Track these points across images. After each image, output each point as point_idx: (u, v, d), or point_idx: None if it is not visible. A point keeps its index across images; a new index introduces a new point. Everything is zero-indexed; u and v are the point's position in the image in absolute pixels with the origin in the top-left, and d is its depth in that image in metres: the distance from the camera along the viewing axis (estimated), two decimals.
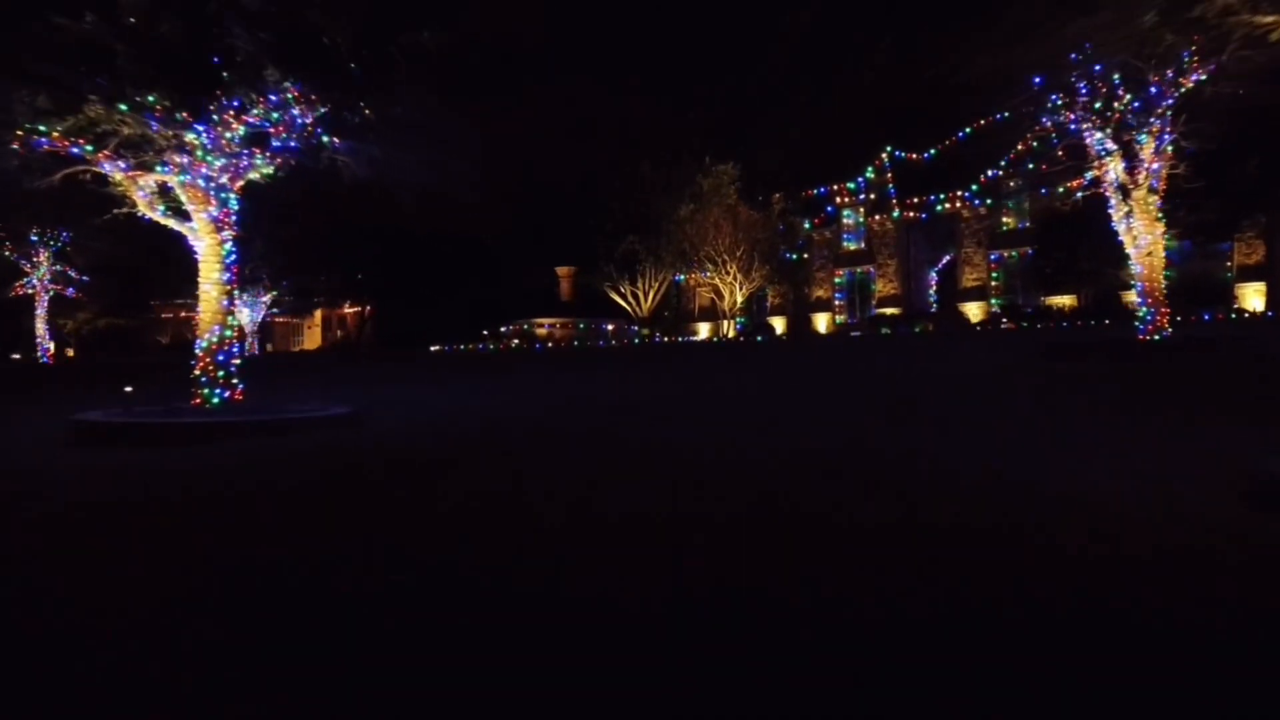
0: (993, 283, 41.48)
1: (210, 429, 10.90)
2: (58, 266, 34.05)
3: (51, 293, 34.62)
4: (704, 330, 53.95)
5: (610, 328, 29.87)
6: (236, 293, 13.36)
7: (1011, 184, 41.29)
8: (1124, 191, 16.29)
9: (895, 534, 4.73)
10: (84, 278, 35.09)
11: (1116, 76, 15.41)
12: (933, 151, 50.30)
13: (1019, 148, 42.32)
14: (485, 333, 32.05)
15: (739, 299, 43.92)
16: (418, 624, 3.59)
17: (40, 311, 34.57)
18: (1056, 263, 37.04)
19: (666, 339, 30.66)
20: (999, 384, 12.61)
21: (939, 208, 43.47)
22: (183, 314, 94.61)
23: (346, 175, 14.38)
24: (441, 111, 14.40)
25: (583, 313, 32.30)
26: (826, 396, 12.61)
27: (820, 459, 7.34)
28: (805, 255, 48.40)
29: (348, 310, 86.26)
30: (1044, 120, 18.54)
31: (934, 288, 45.86)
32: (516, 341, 29.68)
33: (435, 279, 73.81)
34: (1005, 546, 4.45)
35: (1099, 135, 16.13)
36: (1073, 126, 16.49)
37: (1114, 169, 16.14)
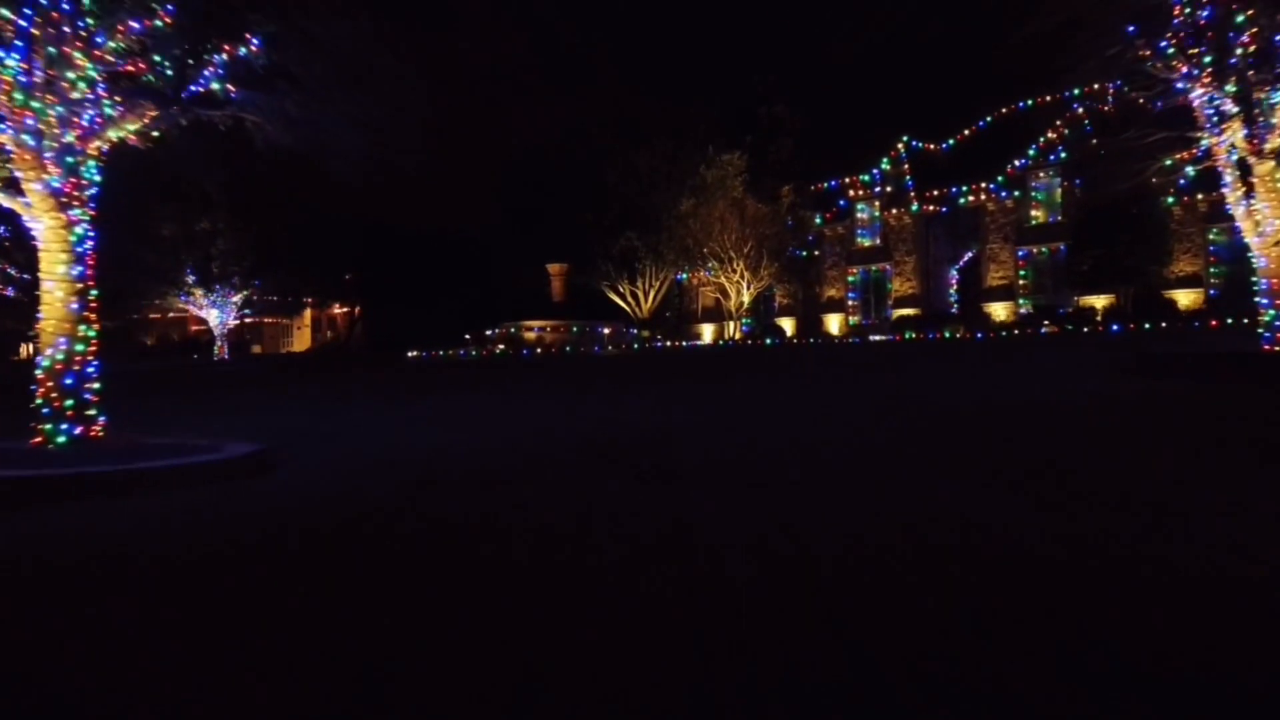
0: (1020, 281, 38.12)
1: (16, 488, 7.59)
2: None
3: None
4: (707, 332, 50.64)
5: (606, 331, 26.51)
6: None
7: (1042, 174, 37.98)
8: (1243, 166, 12.99)
9: None
10: (25, 276, 31.67)
11: (1241, 18, 12.10)
12: (951, 141, 47.07)
13: (1051, 135, 39.16)
14: (467, 337, 28.68)
15: (746, 299, 40.58)
16: None
17: None
18: (1094, 259, 33.72)
19: (670, 344, 27.30)
20: (1134, 419, 9.22)
21: (962, 200, 40.10)
22: (169, 314, 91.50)
23: (259, 139, 11.04)
24: (381, 59, 11.09)
25: (576, 314, 28.97)
26: (890, 437, 9.25)
27: (966, 590, 4.01)
28: (816, 253, 45.06)
29: (337, 311, 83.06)
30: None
31: (954, 287, 42.53)
32: (502, 347, 26.38)
33: (425, 278, 70.53)
34: None
35: (1213, 96, 12.81)
36: (1179, 84, 13.14)
37: (1231, 137, 12.83)
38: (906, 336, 30.95)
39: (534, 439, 10.22)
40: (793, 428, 9.24)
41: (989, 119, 46.43)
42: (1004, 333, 29.45)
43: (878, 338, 34.84)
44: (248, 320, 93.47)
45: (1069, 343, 22.19)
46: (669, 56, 67.67)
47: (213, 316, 38.47)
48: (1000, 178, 38.87)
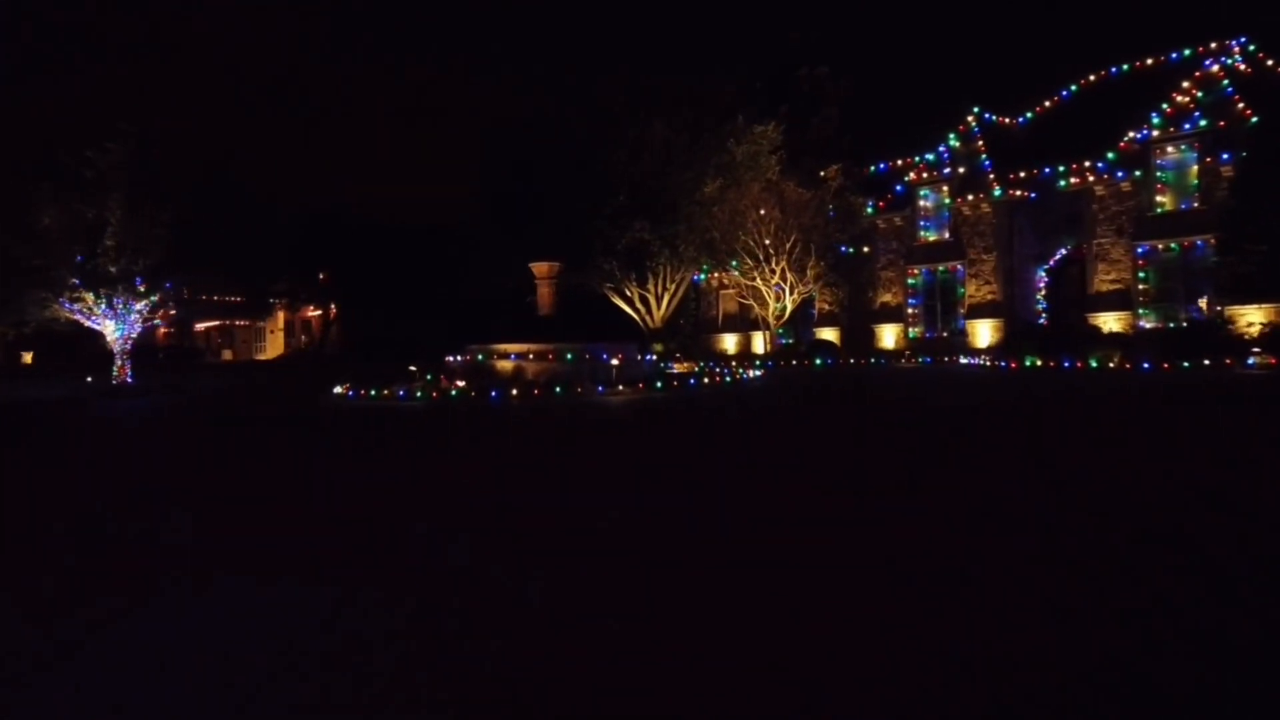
0: (1140, 286, 29.30)
1: None
2: None
3: None
4: (730, 343, 41.88)
5: (615, 362, 17.55)
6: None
7: (1170, 148, 29.07)
8: None
9: None
10: None
11: None
12: (1029, 115, 38.25)
13: (1181, 99, 30.33)
14: (413, 369, 19.67)
15: (789, 306, 31.72)
16: None
17: None
18: (1259, 258, 24.94)
19: (707, 377, 18.23)
20: None
21: (1061, 183, 31.16)
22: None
23: None
24: None
25: (570, 328, 20.21)
26: None
27: None
28: (865, 249, 36.27)
29: (311, 313, 74.37)
30: None
31: (1042, 292, 33.73)
32: (461, 384, 17.61)
33: (404, 279, 61.78)
34: None
35: None
36: None
37: None
38: (1028, 362, 22.08)
39: None
40: None
41: (1076, 86, 37.70)
42: (1184, 362, 20.27)
43: (973, 361, 25.88)
44: (218, 324, 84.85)
45: None
46: (688, 7, 58.55)
47: (109, 329, 29.55)
48: (1111, 154, 29.99)
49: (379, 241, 61.75)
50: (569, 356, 18.50)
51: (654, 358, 20.40)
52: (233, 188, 36.24)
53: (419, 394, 17.24)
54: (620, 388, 17.16)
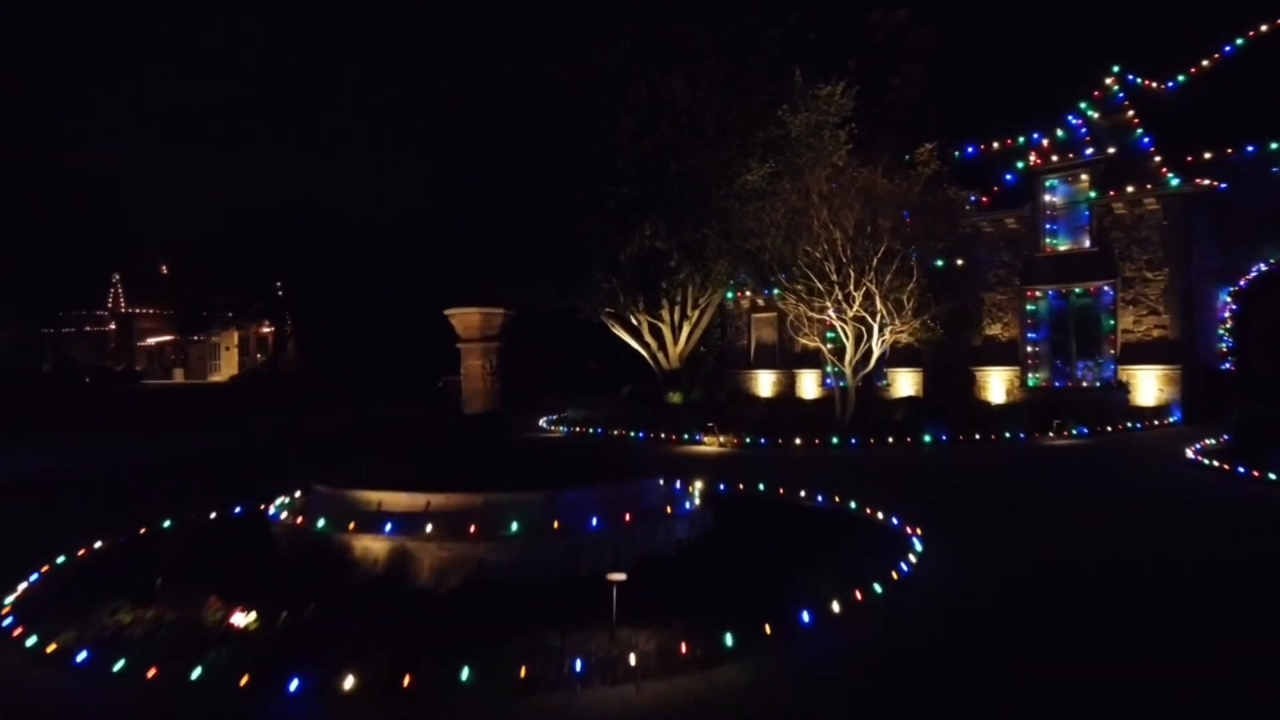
0: None
1: None
2: None
3: None
4: (765, 385, 31.44)
5: (619, 579, 7.26)
6: None
7: None
8: None
9: None
10: None
11: None
12: (1182, 77, 27.80)
13: None
14: (163, 553, 9.24)
15: (875, 348, 21.29)
16: None
17: None
18: None
19: (814, 571, 8.14)
20: None
21: None
22: (88, 326, 71.81)
23: None
24: None
25: (516, 463, 9.61)
26: None
27: None
28: (959, 261, 25.79)
29: (266, 329, 63.94)
30: None
31: (1227, 324, 23.34)
32: (248, 618, 7.29)
33: (365, 285, 51.55)
34: None
35: None
36: None
37: None
38: None
39: None
40: None
41: (1242, 39, 27.31)
42: None
43: (1235, 469, 14.35)
44: (171, 340, 74.22)
45: None
46: None
47: None
48: None
49: (338, 244, 51.39)
50: (514, 526, 7.91)
51: (691, 508, 9.54)
52: (58, 169, 25.74)
53: (120, 665, 6.72)
54: (635, 644, 6.69)
